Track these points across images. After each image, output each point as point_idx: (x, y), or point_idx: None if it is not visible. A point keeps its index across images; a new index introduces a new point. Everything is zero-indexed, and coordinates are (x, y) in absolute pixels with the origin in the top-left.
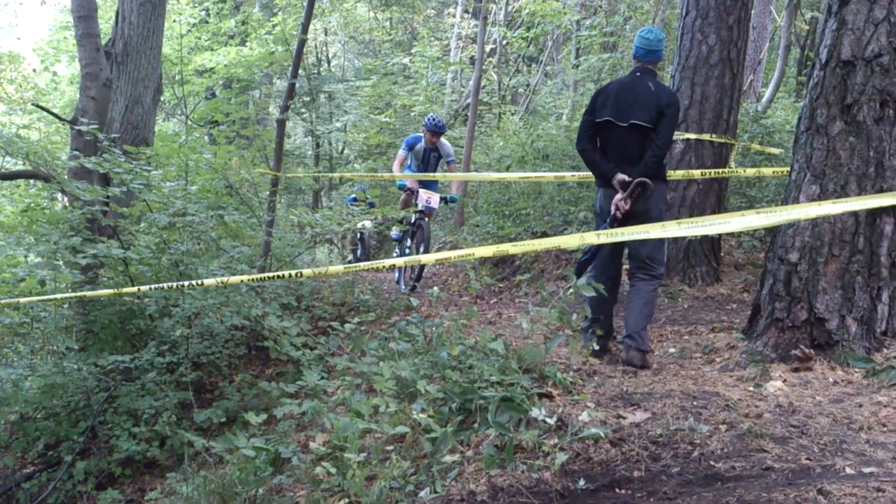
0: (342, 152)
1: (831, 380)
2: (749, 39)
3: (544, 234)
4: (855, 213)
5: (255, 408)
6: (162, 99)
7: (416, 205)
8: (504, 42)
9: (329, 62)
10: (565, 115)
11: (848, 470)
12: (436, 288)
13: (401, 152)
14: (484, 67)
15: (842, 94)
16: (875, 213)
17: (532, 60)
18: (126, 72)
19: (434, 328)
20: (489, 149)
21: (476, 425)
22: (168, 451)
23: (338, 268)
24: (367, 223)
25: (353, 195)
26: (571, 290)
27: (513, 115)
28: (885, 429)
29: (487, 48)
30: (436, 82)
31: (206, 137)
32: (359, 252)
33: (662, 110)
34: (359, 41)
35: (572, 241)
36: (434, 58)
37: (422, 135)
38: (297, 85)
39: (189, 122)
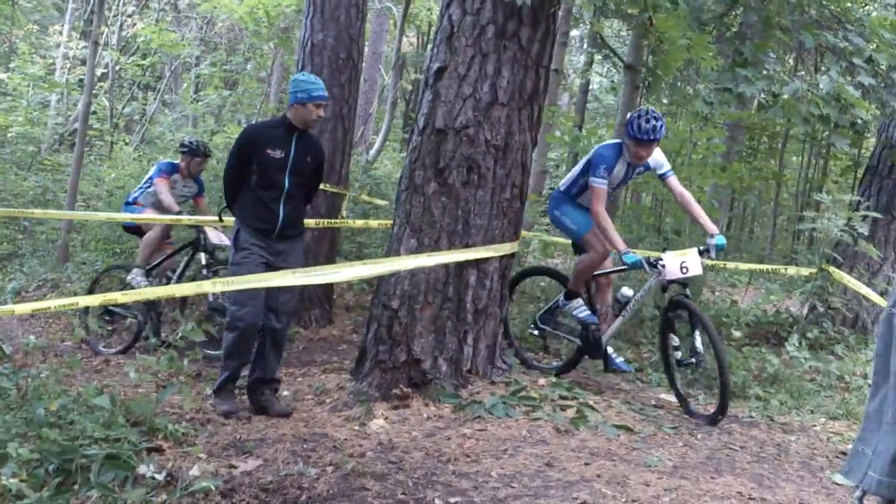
0: None
1: (426, 415)
2: (361, 92)
3: None
4: (446, 266)
5: None
6: None
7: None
8: (117, 67)
9: None
10: None
11: (437, 501)
12: (32, 336)
13: None
14: (95, 92)
15: (436, 159)
16: (462, 266)
17: (149, 88)
18: None
19: (30, 380)
20: (100, 180)
21: (76, 487)
22: None
23: None
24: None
25: (169, 160)
26: (182, 335)
27: (127, 144)
28: (468, 459)
29: (99, 72)
30: (38, 103)
31: None
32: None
33: None
34: None
35: (188, 289)
36: (37, 77)
37: None
38: None
39: None
